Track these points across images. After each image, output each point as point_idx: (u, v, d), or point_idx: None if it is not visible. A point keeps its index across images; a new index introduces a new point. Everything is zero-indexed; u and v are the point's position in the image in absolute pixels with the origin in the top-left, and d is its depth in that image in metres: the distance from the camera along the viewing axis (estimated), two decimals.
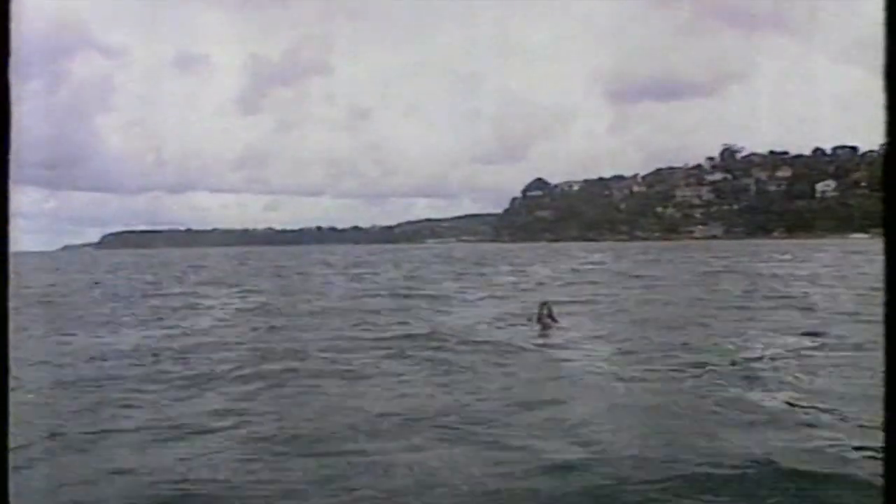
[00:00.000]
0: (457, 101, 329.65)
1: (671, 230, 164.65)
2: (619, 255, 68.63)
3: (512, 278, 36.49)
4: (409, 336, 14.48)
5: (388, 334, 15.02)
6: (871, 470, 5.94)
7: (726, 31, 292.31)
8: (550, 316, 14.98)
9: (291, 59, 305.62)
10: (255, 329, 16.81)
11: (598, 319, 17.42)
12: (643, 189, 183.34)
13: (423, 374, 10.91)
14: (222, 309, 22.43)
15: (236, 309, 22.34)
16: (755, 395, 9.13)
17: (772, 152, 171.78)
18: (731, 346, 12.93)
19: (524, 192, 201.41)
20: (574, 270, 42.67)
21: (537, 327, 14.98)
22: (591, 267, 46.75)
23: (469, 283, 32.55)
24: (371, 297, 25.48)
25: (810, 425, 7.82)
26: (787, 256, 56.64)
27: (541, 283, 31.53)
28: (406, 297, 25.40)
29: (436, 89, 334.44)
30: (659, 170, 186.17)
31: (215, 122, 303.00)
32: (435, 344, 13.33)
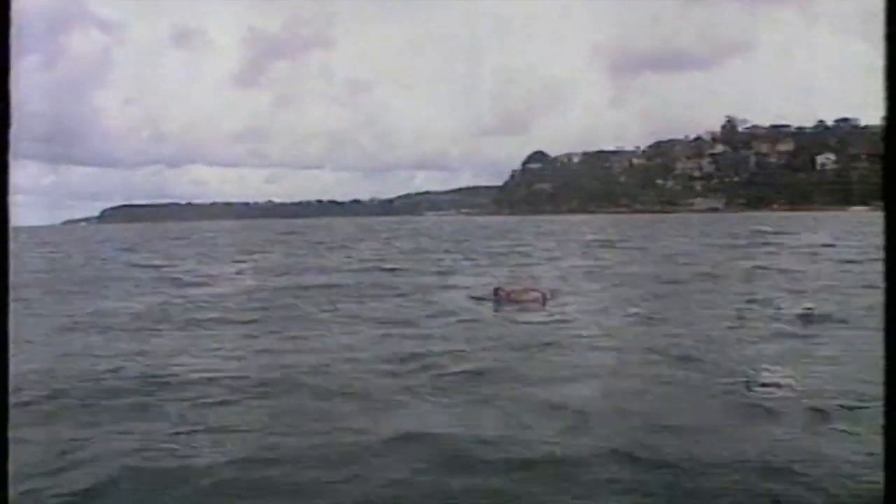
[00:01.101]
0: (457, 74, 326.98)
1: (671, 203, 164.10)
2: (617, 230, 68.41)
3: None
4: None
5: None
6: None
7: (728, 2, 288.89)
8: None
9: (291, 32, 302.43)
10: None
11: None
12: (643, 161, 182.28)
13: None
14: None
15: None
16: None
17: (773, 125, 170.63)
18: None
19: (524, 164, 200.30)
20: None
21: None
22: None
23: None
24: None
25: None
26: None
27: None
28: None
29: (436, 63, 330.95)
30: (659, 142, 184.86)
31: (214, 95, 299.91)
32: None
